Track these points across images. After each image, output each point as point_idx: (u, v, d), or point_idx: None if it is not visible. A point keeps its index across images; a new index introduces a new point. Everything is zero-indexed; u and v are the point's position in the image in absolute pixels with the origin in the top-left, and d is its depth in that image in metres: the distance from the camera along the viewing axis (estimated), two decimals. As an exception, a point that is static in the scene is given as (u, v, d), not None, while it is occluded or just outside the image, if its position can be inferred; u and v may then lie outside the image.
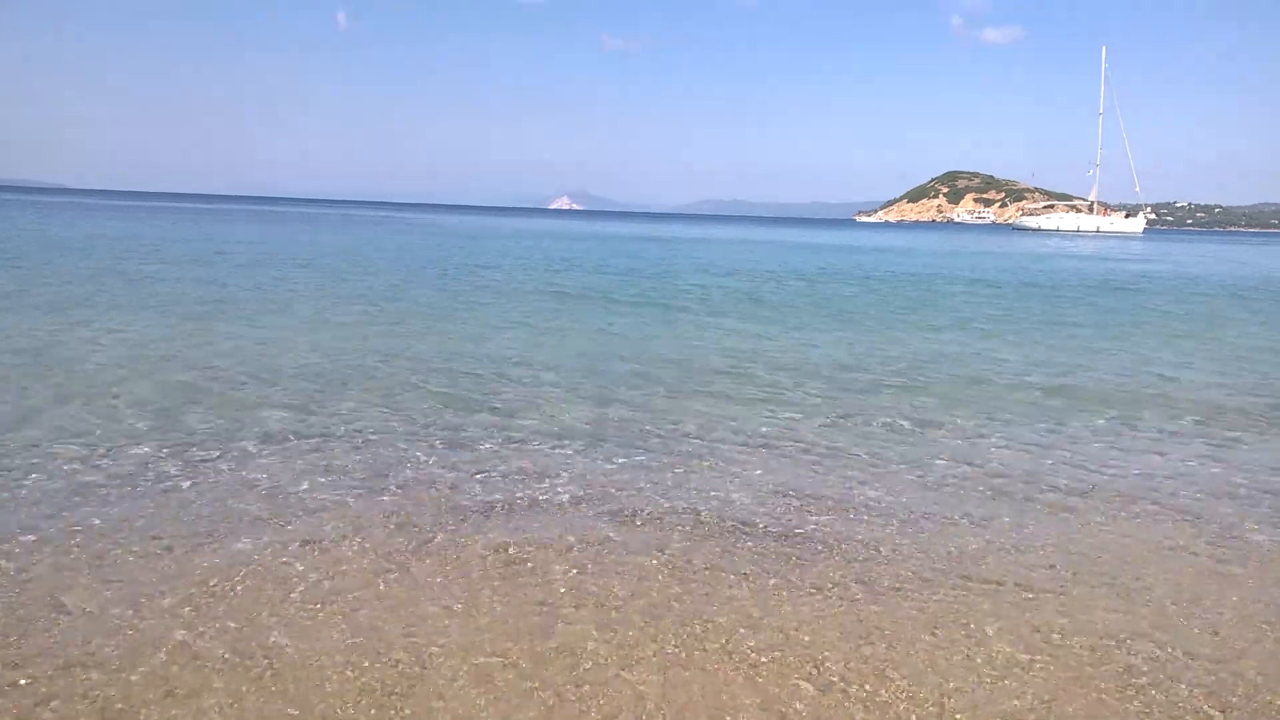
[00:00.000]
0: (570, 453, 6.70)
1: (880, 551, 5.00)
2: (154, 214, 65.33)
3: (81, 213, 59.74)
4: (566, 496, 5.73)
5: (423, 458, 6.43)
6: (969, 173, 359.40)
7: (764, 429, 7.62)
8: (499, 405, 8.11)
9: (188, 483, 5.68)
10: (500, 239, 45.75)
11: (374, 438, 6.86)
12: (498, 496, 5.67)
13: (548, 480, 6.03)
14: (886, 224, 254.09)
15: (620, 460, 6.52)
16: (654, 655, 3.79)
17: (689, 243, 51.48)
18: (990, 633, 4.08)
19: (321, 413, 7.55)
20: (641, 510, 5.49)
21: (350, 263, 25.51)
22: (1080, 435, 7.81)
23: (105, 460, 6.03)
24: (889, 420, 8.07)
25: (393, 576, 4.44)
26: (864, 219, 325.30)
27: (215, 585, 4.28)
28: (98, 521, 4.99)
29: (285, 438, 6.76)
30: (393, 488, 5.78)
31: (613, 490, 5.85)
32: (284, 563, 4.55)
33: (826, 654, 3.85)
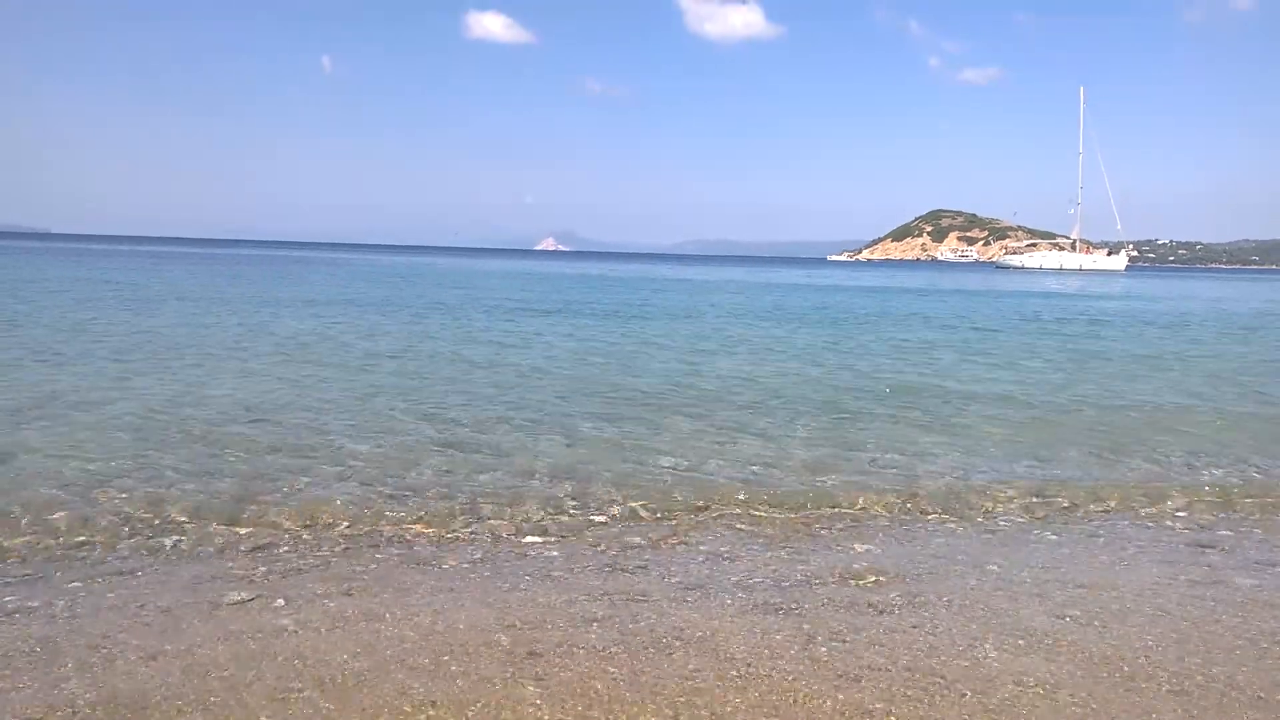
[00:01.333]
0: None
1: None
2: (152, 259, 64.27)
3: (73, 258, 58.59)
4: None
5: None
6: (953, 211, 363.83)
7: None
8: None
9: None
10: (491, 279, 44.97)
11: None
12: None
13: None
14: (858, 263, 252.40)
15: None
16: None
17: (677, 284, 50.73)
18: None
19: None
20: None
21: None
22: None
23: None
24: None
25: None
26: (834, 258, 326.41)
27: None
28: None
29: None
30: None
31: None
32: None
33: None
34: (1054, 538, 5.78)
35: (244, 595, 4.38)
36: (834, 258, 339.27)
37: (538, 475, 6.98)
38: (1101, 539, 5.77)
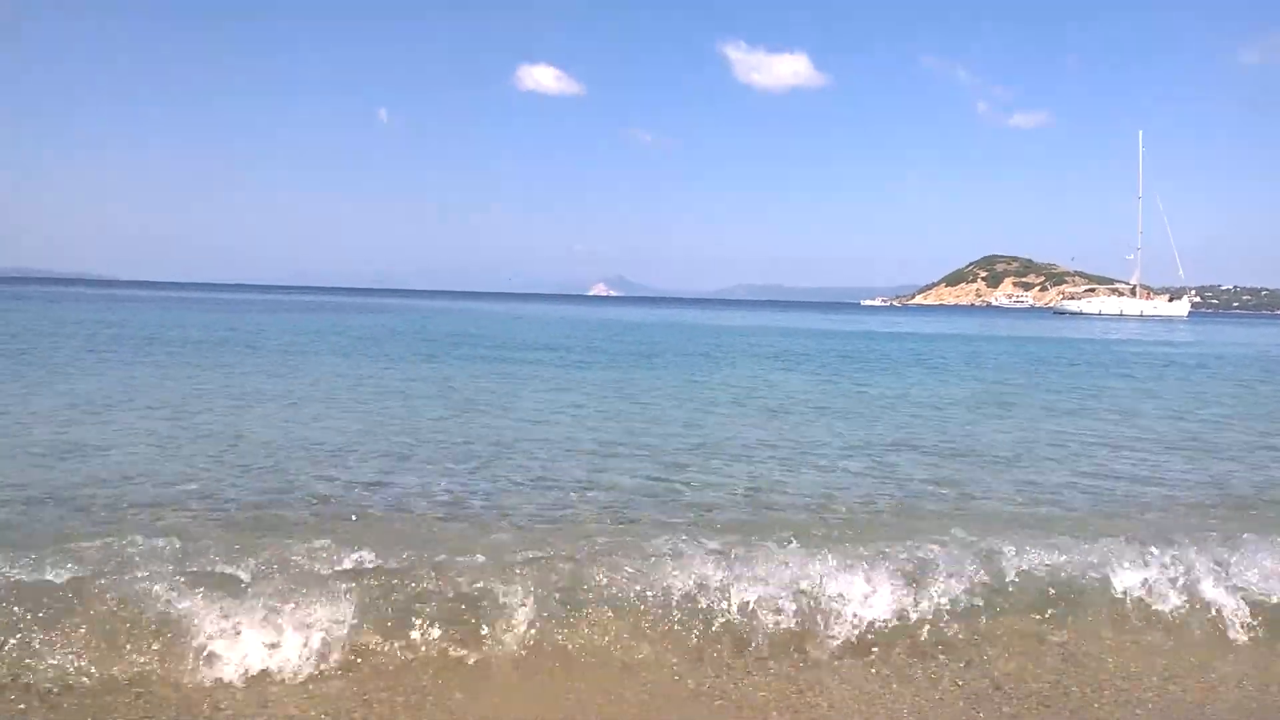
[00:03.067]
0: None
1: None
2: (230, 307, 67.50)
3: (154, 305, 61.93)
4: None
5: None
6: (1007, 257, 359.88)
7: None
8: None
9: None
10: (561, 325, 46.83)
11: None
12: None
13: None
14: (892, 308, 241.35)
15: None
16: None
17: (740, 332, 52.00)
18: None
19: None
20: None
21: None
22: None
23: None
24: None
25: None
26: (867, 303, 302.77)
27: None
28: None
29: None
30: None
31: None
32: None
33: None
34: None
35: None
36: (867, 303, 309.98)
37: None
38: None
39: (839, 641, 5.12)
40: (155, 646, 4.47)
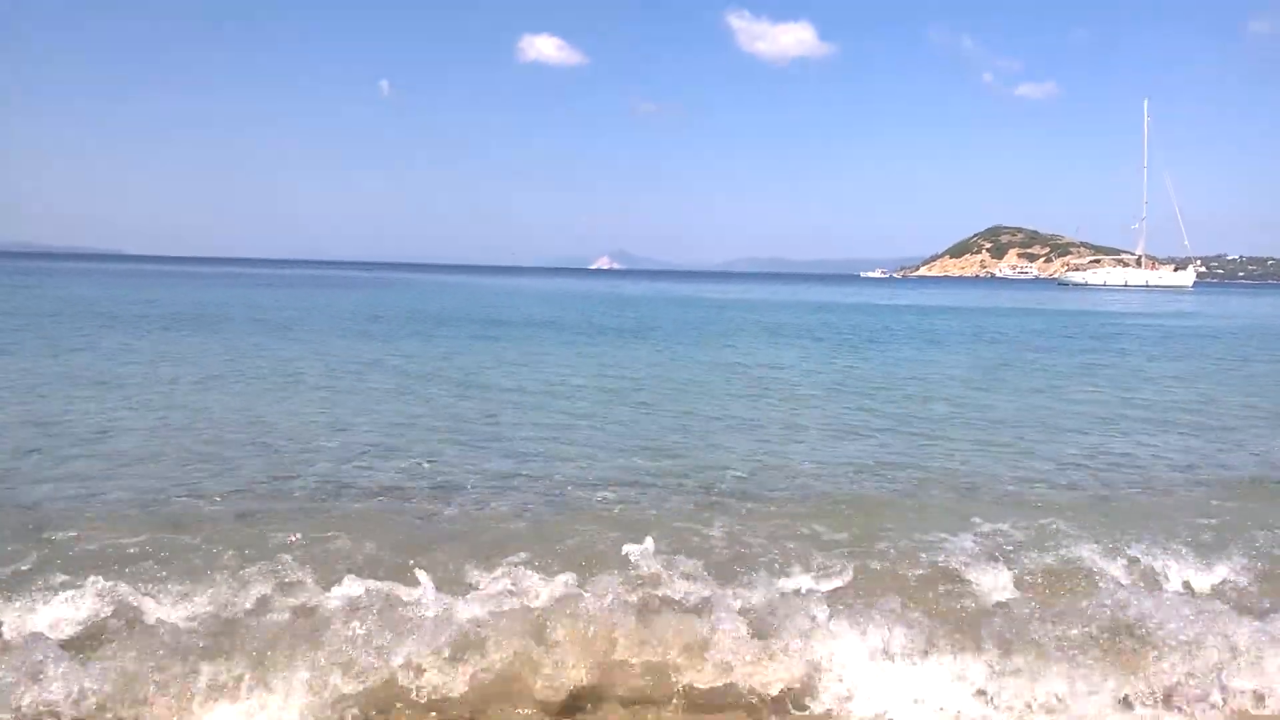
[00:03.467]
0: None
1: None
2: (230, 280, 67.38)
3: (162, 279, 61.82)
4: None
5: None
6: (1012, 228, 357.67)
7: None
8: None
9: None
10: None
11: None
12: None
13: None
14: (893, 279, 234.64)
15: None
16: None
17: (745, 306, 51.72)
18: None
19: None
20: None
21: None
22: None
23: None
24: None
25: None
26: (867, 275, 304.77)
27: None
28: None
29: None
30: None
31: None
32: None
33: None
34: None
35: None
36: (867, 274, 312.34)
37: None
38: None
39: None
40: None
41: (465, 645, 4.20)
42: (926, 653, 4.38)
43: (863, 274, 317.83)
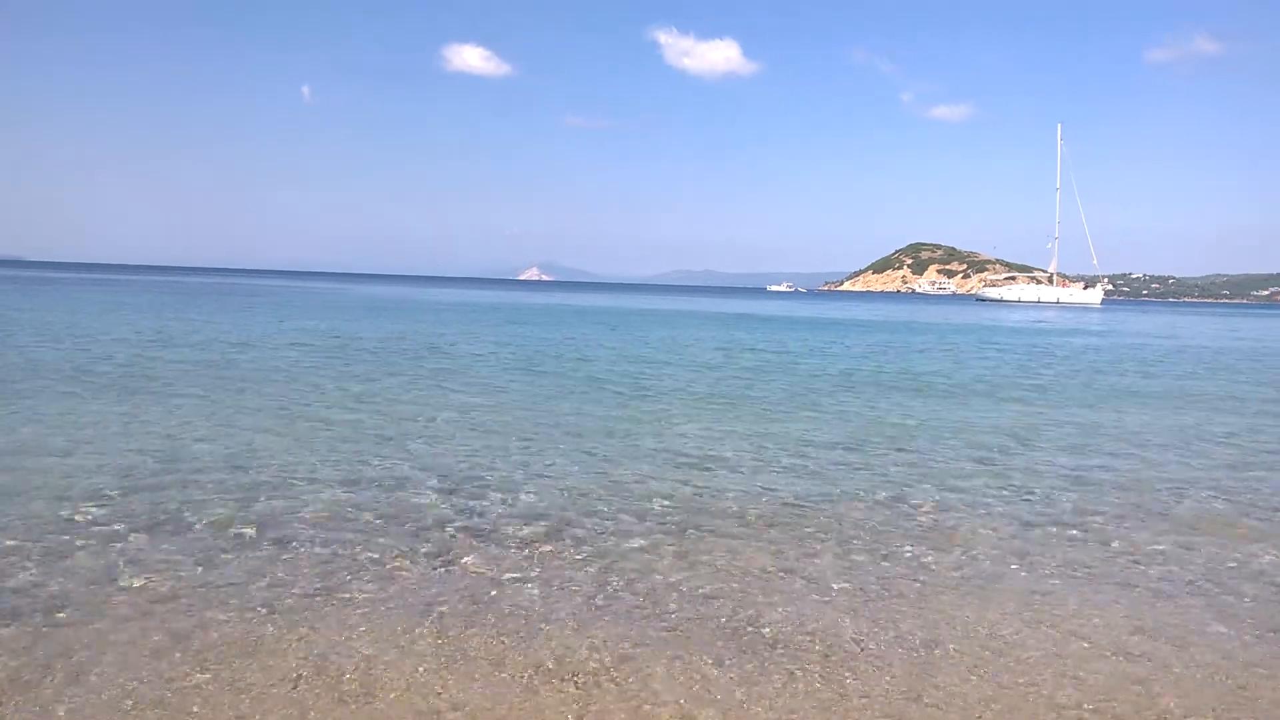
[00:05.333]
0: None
1: None
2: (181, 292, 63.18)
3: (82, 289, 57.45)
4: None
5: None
6: (932, 245, 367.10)
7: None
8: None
9: None
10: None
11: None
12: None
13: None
14: (785, 293, 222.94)
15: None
16: None
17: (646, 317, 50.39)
18: None
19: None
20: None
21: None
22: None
23: None
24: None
25: None
26: (773, 289, 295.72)
27: None
28: None
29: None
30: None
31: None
32: None
33: None
34: None
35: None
36: (774, 288, 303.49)
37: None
38: None
39: None
40: None
41: None
42: None
43: (770, 288, 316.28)
